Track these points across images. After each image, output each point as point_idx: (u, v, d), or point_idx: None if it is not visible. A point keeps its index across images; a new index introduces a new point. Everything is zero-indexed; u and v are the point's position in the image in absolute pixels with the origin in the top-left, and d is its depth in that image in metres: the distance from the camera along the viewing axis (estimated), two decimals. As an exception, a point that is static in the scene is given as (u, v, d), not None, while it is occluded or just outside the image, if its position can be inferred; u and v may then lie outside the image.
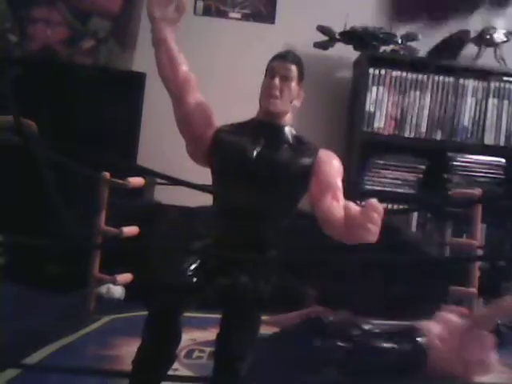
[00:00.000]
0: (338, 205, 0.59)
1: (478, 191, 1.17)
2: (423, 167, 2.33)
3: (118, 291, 1.45)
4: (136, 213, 1.52)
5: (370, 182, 2.37)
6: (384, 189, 2.35)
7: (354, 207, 0.55)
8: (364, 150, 2.31)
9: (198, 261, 0.62)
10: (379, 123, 2.35)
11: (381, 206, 0.53)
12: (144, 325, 0.59)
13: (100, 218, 1.22)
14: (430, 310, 1.34)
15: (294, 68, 0.66)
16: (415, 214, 2.29)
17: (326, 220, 0.59)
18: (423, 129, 2.32)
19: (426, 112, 2.31)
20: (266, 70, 0.67)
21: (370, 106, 2.33)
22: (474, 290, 1.19)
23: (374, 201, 0.53)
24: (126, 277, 1.23)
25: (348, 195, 2.27)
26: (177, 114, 0.66)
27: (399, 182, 2.35)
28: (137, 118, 2.11)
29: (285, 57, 0.66)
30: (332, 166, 0.65)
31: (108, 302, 1.39)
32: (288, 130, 0.67)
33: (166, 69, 0.66)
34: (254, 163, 0.64)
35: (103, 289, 1.39)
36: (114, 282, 1.22)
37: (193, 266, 0.62)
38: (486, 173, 2.25)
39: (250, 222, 0.64)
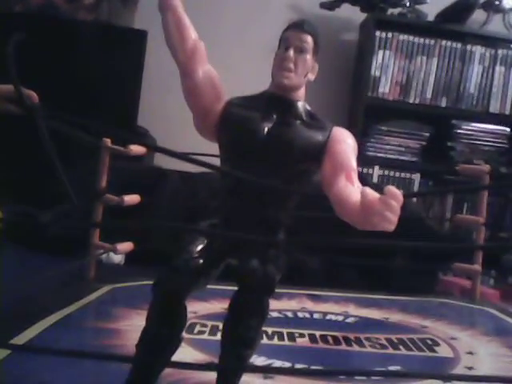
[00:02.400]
0: (352, 187, 0.56)
1: (486, 167, 1.14)
2: (427, 134, 2.32)
3: (117, 257, 1.44)
4: (137, 179, 1.49)
5: (373, 148, 2.35)
6: (387, 155, 2.34)
7: (371, 193, 0.52)
8: (368, 115, 2.29)
9: (205, 241, 0.59)
10: (384, 88, 2.33)
11: (400, 194, 0.50)
12: (148, 308, 0.56)
13: (101, 185, 1.19)
14: (430, 284, 1.34)
15: (309, 39, 0.62)
16: (416, 183, 2.27)
17: (338, 203, 0.56)
18: (428, 95, 2.30)
19: (431, 78, 2.28)
20: (280, 40, 0.63)
21: (375, 71, 2.31)
22: (477, 266, 1.17)
23: (393, 188, 0.50)
24: (127, 245, 1.21)
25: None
26: (185, 85, 0.63)
27: (402, 148, 2.34)
28: (138, 76, 2.08)
29: (300, 26, 0.62)
30: (346, 145, 0.62)
31: (108, 267, 1.38)
32: (301, 105, 0.64)
33: (174, 37, 0.62)
34: (264, 139, 0.61)
35: (104, 255, 1.38)
36: (115, 251, 1.20)
37: (199, 247, 0.59)
38: (490, 141, 2.23)
39: (259, 202, 0.61)
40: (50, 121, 0.61)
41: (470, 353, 0.91)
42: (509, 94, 2.22)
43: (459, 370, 0.83)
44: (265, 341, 0.90)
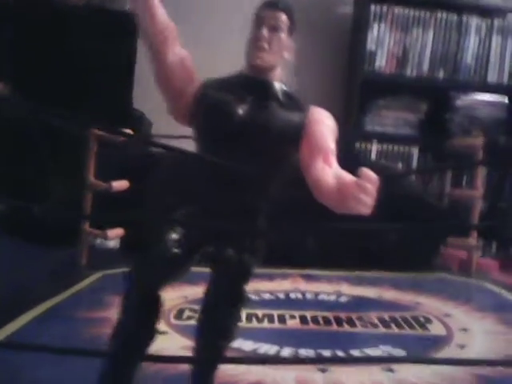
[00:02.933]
0: (330, 170, 0.55)
1: (479, 140, 1.12)
2: (425, 107, 2.29)
3: (111, 241, 1.43)
4: (129, 164, 1.48)
5: (371, 122, 2.32)
6: (385, 130, 2.32)
7: (347, 176, 0.51)
8: (365, 90, 2.26)
9: (182, 231, 0.58)
10: (380, 62, 2.29)
11: (376, 177, 0.48)
12: (122, 299, 0.55)
13: (89, 172, 1.18)
14: (426, 260, 1.32)
15: (284, 17, 0.60)
16: (415, 156, 2.25)
17: (316, 187, 0.54)
18: (425, 67, 2.26)
19: (428, 50, 2.24)
20: (254, 19, 0.61)
21: (371, 45, 2.27)
22: (473, 240, 1.15)
23: (368, 171, 0.48)
24: (118, 232, 1.20)
25: (349, 138, 2.22)
26: (155, 68, 0.61)
27: (400, 122, 2.31)
28: (132, 58, 2.05)
29: (274, 4, 0.60)
30: (324, 126, 0.60)
31: (101, 253, 1.37)
32: (278, 87, 0.62)
33: (145, 20, 0.60)
34: (240, 123, 0.59)
35: (97, 240, 1.37)
36: (105, 238, 1.19)
37: (176, 237, 0.57)
38: (488, 112, 2.20)
39: (236, 188, 0.59)
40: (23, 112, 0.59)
41: (464, 330, 0.90)
42: (506, 64, 2.18)
43: (451, 348, 0.82)
44: (254, 324, 0.89)
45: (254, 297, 1.03)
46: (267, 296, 1.04)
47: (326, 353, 0.78)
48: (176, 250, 0.57)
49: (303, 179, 0.60)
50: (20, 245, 1.35)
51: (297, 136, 0.60)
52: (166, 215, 0.61)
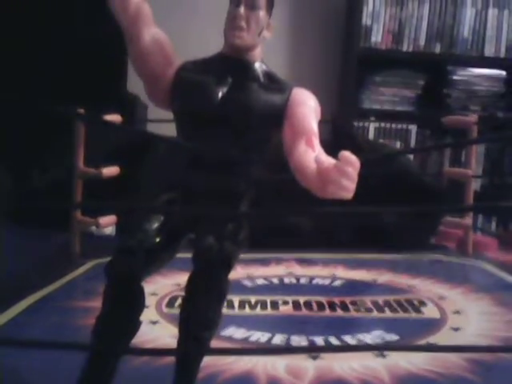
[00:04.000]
0: (312, 153, 0.53)
1: (473, 117, 1.09)
2: (422, 82, 2.26)
3: (107, 228, 1.41)
4: (122, 148, 1.46)
5: (368, 100, 2.30)
6: (382, 107, 2.30)
7: (326, 160, 0.49)
8: (361, 66, 2.23)
9: (162, 218, 0.56)
10: (376, 37, 2.26)
11: (356, 160, 0.46)
12: (103, 291, 0.54)
13: (78, 158, 1.16)
14: (421, 240, 1.31)
15: None
16: (413, 133, 2.23)
17: (298, 170, 0.53)
18: (422, 42, 2.23)
19: (424, 24, 2.21)
20: None
21: (366, 20, 2.24)
22: (468, 219, 1.13)
23: (348, 153, 0.46)
24: (110, 219, 1.18)
25: (346, 115, 2.19)
26: (131, 50, 0.59)
27: (397, 98, 2.28)
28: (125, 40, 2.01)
29: None
30: (307, 107, 0.58)
31: (96, 240, 1.35)
32: (258, 66, 0.60)
33: (116, 0, 0.58)
34: (219, 105, 0.57)
35: (92, 227, 1.35)
36: (97, 226, 1.18)
37: (155, 225, 0.56)
38: (486, 86, 2.17)
39: (217, 172, 0.57)
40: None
41: (458, 312, 0.89)
42: (503, 37, 2.15)
43: (445, 331, 0.81)
44: (247, 311, 0.88)
45: (247, 283, 1.02)
46: (261, 281, 1.03)
47: (318, 339, 0.77)
48: (155, 239, 0.56)
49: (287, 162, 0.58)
50: (13, 230, 1.34)
51: (279, 118, 0.58)
52: (145, 203, 0.59)
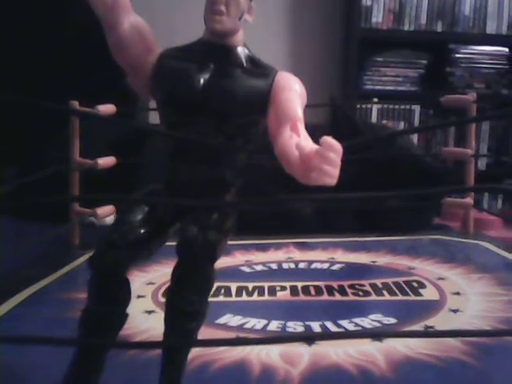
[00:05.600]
0: (297, 139, 0.51)
1: (472, 96, 1.07)
2: (424, 62, 2.25)
3: (108, 218, 1.41)
4: (120, 139, 1.45)
5: (370, 81, 2.29)
6: (385, 87, 2.28)
7: (307, 146, 0.48)
8: (362, 47, 2.22)
9: (146, 208, 0.55)
10: (377, 18, 2.25)
11: (338, 144, 0.45)
12: (88, 285, 0.53)
13: (74, 149, 1.15)
14: (424, 221, 1.29)
15: None
16: (417, 113, 2.22)
17: (283, 157, 0.51)
18: (423, 20, 2.22)
19: (425, 2, 2.19)
20: None
21: (366, 0, 2.22)
22: (469, 200, 1.12)
23: (329, 138, 0.45)
24: (108, 209, 1.18)
25: (348, 98, 2.17)
26: (110, 39, 0.57)
27: (400, 79, 2.27)
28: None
29: None
30: (292, 92, 0.57)
31: (97, 231, 1.35)
32: (240, 51, 0.58)
33: None
34: (202, 92, 0.56)
35: (92, 218, 1.35)
36: (96, 216, 1.17)
37: (140, 216, 0.55)
38: (489, 64, 2.15)
39: (202, 162, 0.56)
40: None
41: (457, 293, 0.87)
42: (505, 14, 2.12)
43: (444, 313, 0.80)
44: (244, 298, 0.87)
45: (246, 269, 1.02)
46: (259, 267, 1.02)
47: (315, 324, 0.76)
48: (140, 230, 0.55)
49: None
50: (11, 223, 1.33)
51: (263, 104, 0.57)
52: (128, 195, 0.59)
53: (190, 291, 0.52)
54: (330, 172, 0.47)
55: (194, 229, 0.53)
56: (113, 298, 0.54)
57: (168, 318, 0.53)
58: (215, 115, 0.57)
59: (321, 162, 0.46)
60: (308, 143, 0.50)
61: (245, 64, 0.58)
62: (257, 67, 0.59)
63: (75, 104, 1.15)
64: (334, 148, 0.46)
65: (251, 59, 0.59)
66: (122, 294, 0.54)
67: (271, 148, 0.56)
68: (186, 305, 0.52)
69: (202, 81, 0.57)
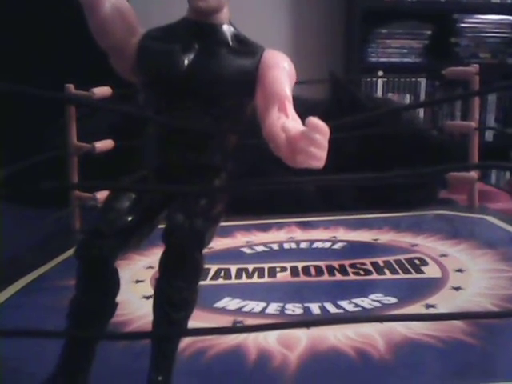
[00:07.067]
0: (285, 119, 0.50)
1: (474, 67, 1.04)
2: (429, 32, 2.21)
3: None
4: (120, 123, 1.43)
5: (374, 53, 2.26)
6: (390, 59, 2.25)
7: (293, 128, 0.46)
8: (366, 19, 2.18)
9: (133, 196, 0.54)
10: (380, -12, 2.20)
11: (325, 125, 0.43)
12: (76, 275, 0.52)
13: (71, 134, 1.14)
14: (430, 196, 1.27)
15: None
16: (423, 85, 2.18)
17: (270, 139, 0.50)
18: (427, -10, 2.17)
19: (429, -29, 2.14)
20: None
21: (368, -29, 2.18)
22: (473, 174, 1.10)
23: (315, 119, 0.43)
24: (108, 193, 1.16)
25: (353, 71, 2.14)
26: (91, 22, 0.55)
27: (405, 50, 2.24)
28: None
29: None
30: (279, 70, 0.55)
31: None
32: (226, 29, 0.56)
33: None
34: (186, 73, 0.54)
35: (92, 201, 1.34)
36: (95, 200, 1.16)
37: (126, 203, 0.54)
38: (494, 33, 2.11)
39: (189, 146, 0.55)
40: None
41: (460, 270, 0.86)
42: (509, -18, 2.07)
43: (445, 290, 0.78)
44: (244, 280, 0.86)
45: (246, 250, 1.01)
46: (260, 248, 1.01)
47: (314, 306, 0.75)
48: (128, 218, 0.54)
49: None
50: (12, 209, 1.33)
51: (250, 83, 0.55)
52: (115, 182, 0.57)
53: (177, 278, 0.51)
54: (317, 154, 0.45)
55: (180, 216, 0.51)
56: (101, 288, 0.52)
57: (156, 306, 0.52)
58: (201, 97, 0.55)
59: (307, 144, 0.45)
60: (295, 124, 0.48)
61: (231, 43, 0.56)
62: (243, 45, 0.57)
63: (71, 87, 1.14)
64: (319, 129, 0.45)
65: (237, 37, 0.57)
66: (109, 284, 0.53)
67: (260, 130, 0.55)
68: (175, 292, 0.51)
69: (186, 61, 0.55)
